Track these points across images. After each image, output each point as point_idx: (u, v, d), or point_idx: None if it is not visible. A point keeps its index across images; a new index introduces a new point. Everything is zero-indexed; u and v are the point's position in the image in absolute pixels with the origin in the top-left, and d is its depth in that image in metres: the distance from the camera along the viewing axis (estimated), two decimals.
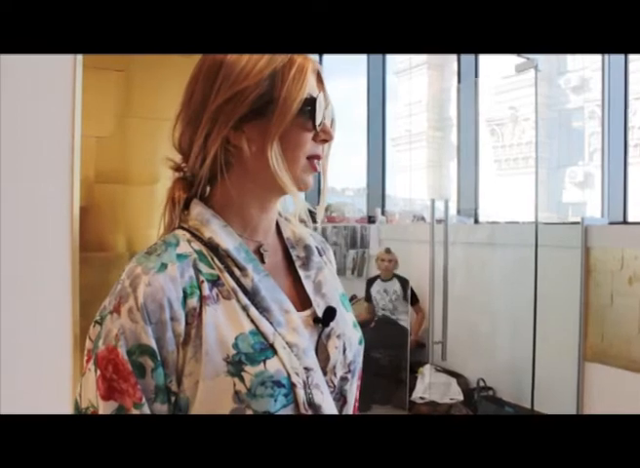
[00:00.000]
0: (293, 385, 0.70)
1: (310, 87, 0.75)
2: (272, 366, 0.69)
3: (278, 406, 0.69)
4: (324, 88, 0.78)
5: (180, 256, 0.71)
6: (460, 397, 3.85)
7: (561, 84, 5.63)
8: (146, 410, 0.66)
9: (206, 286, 0.71)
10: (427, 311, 4.21)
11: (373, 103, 5.63)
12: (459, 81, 4.72)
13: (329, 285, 0.84)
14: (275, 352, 0.70)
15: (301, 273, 0.82)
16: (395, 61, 6.19)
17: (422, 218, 4.83)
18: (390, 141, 5.79)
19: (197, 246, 0.74)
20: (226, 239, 0.75)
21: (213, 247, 0.74)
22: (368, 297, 4.51)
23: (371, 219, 5.29)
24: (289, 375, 0.70)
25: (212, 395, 0.67)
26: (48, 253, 1.53)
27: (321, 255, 0.88)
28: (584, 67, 5.20)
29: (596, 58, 3.96)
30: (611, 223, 3.51)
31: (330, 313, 0.78)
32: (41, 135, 1.52)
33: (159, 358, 0.66)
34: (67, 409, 1.50)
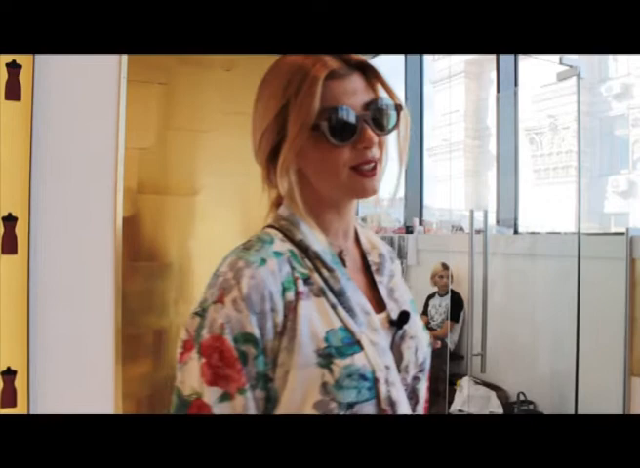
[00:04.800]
0: (376, 380, 0.73)
1: (331, 97, 0.76)
2: (359, 360, 0.73)
3: (361, 398, 0.71)
4: (375, 93, 0.81)
5: (276, 253, 0.75)
6: (500, 410, 3.76)
7: (602, 91, 5.51)
8: (249, 396, 0.70)
9: (300, 282, 0.75)
10: (467, 323, 4.15)
11: (410, 113, 5.62)
12: (497, 90, 4.66)
13: (401, 290, 0.88)
14: (362, 348, 0.74)
15: (377, 278, 0.86)
16: (433, 71, 6.17)
17: (461, 229, 4.78)
18: (428, 151, 5.76)
19: (289, 245, 0.78)
20: (315, 242, 0.78)
21: (303, 248, 0.78)
22: (425, 311, 4.63)
23: (408, 230, 5.25)
24: (374, 370, 0.73)
25: (301, 385, 0.70)
26: (92, 262, 1.56)
27: (393, 263, 0.92)
28: (628, 73, 5.07)
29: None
30: None
31: (404, 316, 0.82)
32: (86, 147, 1.56)
33: (261, 346, 0.70)
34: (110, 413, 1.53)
